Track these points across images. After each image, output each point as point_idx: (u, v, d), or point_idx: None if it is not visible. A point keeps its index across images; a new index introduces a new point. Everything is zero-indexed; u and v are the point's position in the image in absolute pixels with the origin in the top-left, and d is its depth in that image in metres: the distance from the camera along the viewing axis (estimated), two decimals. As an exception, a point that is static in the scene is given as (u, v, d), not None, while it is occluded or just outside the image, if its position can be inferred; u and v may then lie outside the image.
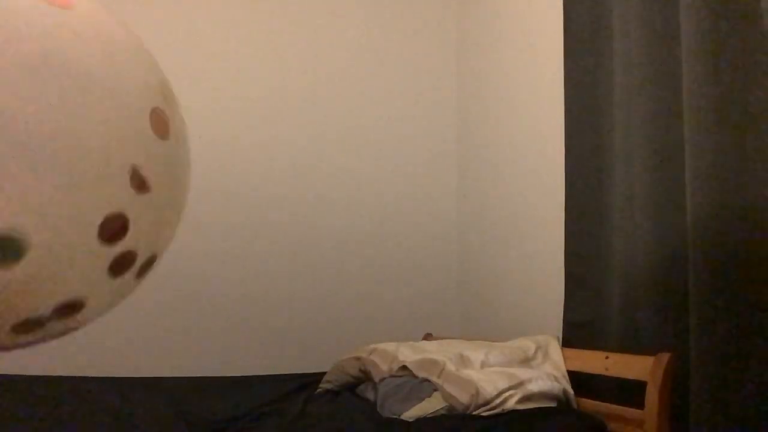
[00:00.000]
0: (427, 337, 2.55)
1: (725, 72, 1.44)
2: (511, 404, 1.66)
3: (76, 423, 1.61)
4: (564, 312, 2.04)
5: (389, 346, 2.05)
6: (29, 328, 0.78)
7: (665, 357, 1.56)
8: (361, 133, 2.81)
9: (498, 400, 1.66)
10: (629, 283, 1.78)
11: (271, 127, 2.67)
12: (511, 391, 1.69)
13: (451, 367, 1.80)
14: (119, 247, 0.80)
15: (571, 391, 1.80)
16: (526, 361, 1.92)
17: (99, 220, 0.76)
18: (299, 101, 2.74)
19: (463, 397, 1.66)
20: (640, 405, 1.58)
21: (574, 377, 1.84)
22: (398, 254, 2.81)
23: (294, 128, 2.71)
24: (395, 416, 1.70)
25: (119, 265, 0.81)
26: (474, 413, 1.64)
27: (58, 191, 0.71)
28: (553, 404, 1.74)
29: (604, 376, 1.77)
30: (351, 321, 2.68)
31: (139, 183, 0.79)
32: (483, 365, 1.86)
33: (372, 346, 2.09)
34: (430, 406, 1.71)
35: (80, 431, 1.60)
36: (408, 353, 1.96)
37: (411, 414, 1.69)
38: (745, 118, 1.42)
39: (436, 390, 1.74)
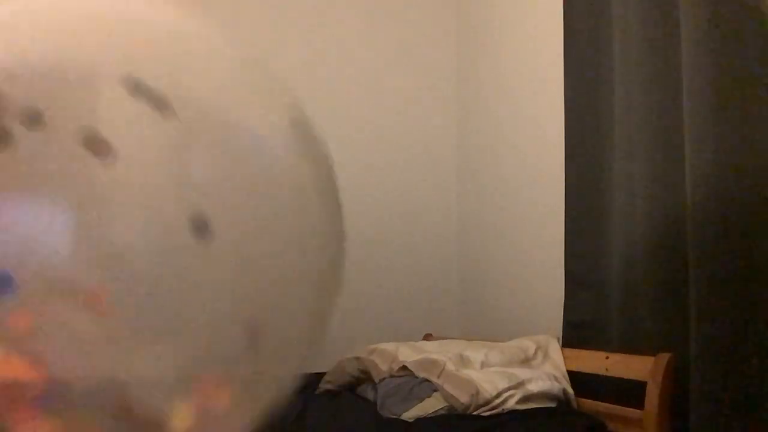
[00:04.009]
0: (427, 337, 2.55)
1: (725, 72, 1.44)
2: (511, 404, 1.66)
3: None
4: (564, 312, 2.04)
5: (389, 346, 2.05)
6: None
7: (665, 357, 1.56)
8: (360, 132, 2.81)
9: (498, 400, 1.66)
10: (629, 283, 1.78)
11: (271, 127, 2.67)
12: (511, 391, 1.69)
13: (451, 367, 1.80)
14: None
15: (571, 391, 1.80)
16: (526, 361, 1.92)
17: None
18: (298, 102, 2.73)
19: (463, 397, 1.66)
20: (640, 405, 1.58)
21: (574, 377, 1.84)
22: (398, 254, 2.81)
23: (294, 128, 2.71)
24: (395, 416, 1.70)
25: None
26: (474, 413, 1.64)
27: None
28: (553, 404, 1.74)
29: (604, 376, 1.77)
30: (351, 321, 2.67)
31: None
32: (483, 365, 1.86)
33: (372, 346, 2.09)
34: (430, 406, 1.71)
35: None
36: (408, 353, 1.96)
37: (411, 414, 1.69)
38: (745, 117, 1.43)
39: (436, 390, 1.74)
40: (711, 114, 1.45)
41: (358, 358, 2.05)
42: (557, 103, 2.16)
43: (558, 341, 1.99)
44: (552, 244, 2.19)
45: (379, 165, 2.83)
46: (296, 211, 0.75)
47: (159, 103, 0.66)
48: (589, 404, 1.77)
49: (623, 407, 1.66)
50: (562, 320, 2.04)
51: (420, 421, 1.65)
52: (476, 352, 1.92)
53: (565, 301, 2.04)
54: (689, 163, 1.50)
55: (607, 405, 1.71)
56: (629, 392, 1.66)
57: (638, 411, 1.58)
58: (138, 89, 0.65)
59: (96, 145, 0.62)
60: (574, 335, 1.99)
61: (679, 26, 1.56)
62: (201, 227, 0.65)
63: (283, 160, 0.76)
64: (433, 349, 2.00)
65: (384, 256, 2.79)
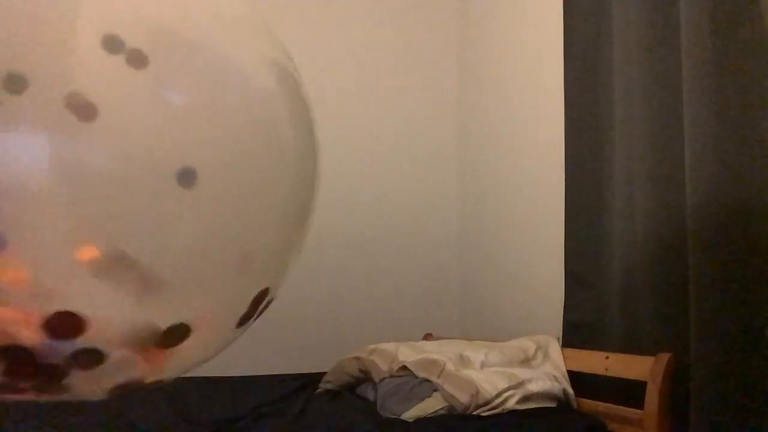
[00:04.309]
0: (427, 337, 2.55)
1: (725, 71, 1.44)
2: (511, 404, 1.66)
3: (76, 423, 1.61)
4: (564, 312, 2.04)
5: (389, 346, 2.05)
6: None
7: (665, 357, 1.56)
8: (361, 133, 2.81)
9: (498, 400, 1.66)
10: (629, 283, 1.78)
11: (271, 127, 2.67)
12: (511, 391, 1.69)
13: (451, 367, 1.80)
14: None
15: (571, 391, 1.80)
16: (526, 361, 1.92)
17: None
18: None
19: (463, 397, 1.66)
20: (640, 405, 1.58)
21: (574, 377, 1.84)
22: (398, 254, 2.81)
23: (294, 128, 2.70)
24: (395, 416, 1.70)
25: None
26: (474, 413, 1.64)
27: None
28: (552, 404, 1.74)
29: (604, 376, 1.77)
30: (351, 321, 2.68)
31: None
32: (483, 365, 1.86)
33: (372, 346, 2.09)
34: (430, 406, 1.71)
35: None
36: (408, 353, 1.96)
37: (411, 414, 1.69)
38: (744, 118, 1.42)
39: (436, 390, 1.74)
40: (711, 114, 1.45)
41: (358, 358, 2.05)
42: (557, 103, 2.16)
43: (558, 341, 1.99)
44: (552, 244, 2.19)
45: (379, 165, 2.83)
46: (272, 145, 0.80)
47: (137, 57, 0.69)
48: (589, 404, 1.77)
49: (623, 407, 1.66)
50: (562, 320, 2.04)
51: (420, 421, 1.65)
52: (476, 352, 1.92)
53: (565, 301, 2.04)
54: (689, 163, 1.50)
55: (607, 405, 1.71)
56: (629, 392, 1.66)
57: (638, 411, 1.58)
58: (115, 46, 0.68)
59: (79, 107, 0.65)
60: (574, 335, 1.99)
61: (679, 27, 1.56)
62: (185, 174, 0.70)
63: (261, 94, 0.80)
64: (433, 349, 2.00)
65: (384, 257, 2.79)
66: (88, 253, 0.67)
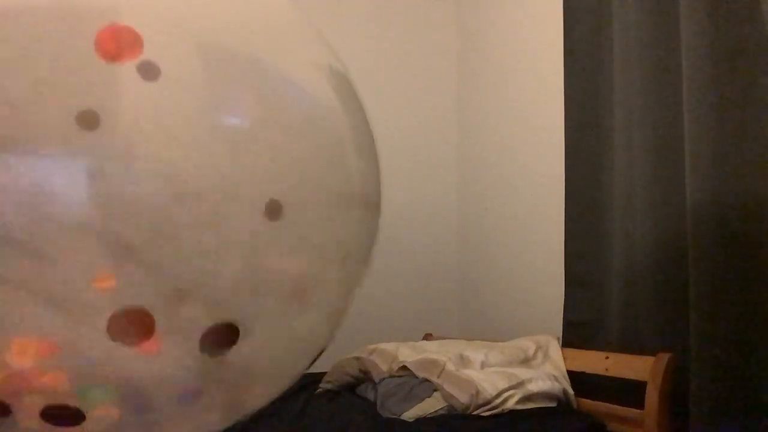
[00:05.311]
0: (427, 337, 2.55)
1: (725, 72, 1.44)
2: (511, 404, 1.66)
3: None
4: (564, 312, 2.03)
5: (389, 346, 2.05)
6: None
7: (665, 357, 1.56)
8: (361, 133, 2.81)
9: (498, 400, 1.66)
10: (629, 283, 1.78)
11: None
12: (511, 391, 1.69)
13: (451, 367, 1.80)
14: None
15: (571, 391, 1.80)
16: (526, 361, 1.92)
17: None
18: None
19: (463, 397, 1.66)
20: (640, 405, 1.58)
21: (574, 377, 1.84)
22: (398, 254, 2.81)
23: (294, 128, 2.70)
24: (395, 416, 1.70)
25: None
26: (474, 413, 1.64)
27: None
28: (553, 404, 1.74)
29: (604, 376, 1.77)
30: (351, 321, 2.67)
31: None
32: (483, 365, 1.86)
33: (372, 346, 2.09)
34: (430, 406, 1.71)
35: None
36: (408, 353, 1.96)
37: (411, 414, 1.69)
38: (744, 117, 1.43)
39: (436, 390, 1.74)
40: (710, 114, 1.45)
41: (358, 358, 2.05)
42: (557, 103, 2.16)
43: (558, 341, 1.99)
44: (552, 244, 2.19)
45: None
46: (336, 158, 0.77)
47: (181, 81, 0.66)
48: (589, 404, 1.77)
49: (623, 407, 1.66)
50: (562, 320, 2.04)
51: (420, 421, 1.65)
52: (476, 352, 1.92)
53: (565, 301, 2.04)
54: (689, 163, 1.50)
55: (607, 405, 1.71)
56: (629, 392, 1.66)
57: (638, 411, 1.58)
58: (153, 72, 0.66)
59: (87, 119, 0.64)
60: (574, 335, 1.99)
61: (679, 27, 1.56)
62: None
63: (322, 108, 0.78)
64: (433, 349, 2.00)
65: (384, 256, 2.77)
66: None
